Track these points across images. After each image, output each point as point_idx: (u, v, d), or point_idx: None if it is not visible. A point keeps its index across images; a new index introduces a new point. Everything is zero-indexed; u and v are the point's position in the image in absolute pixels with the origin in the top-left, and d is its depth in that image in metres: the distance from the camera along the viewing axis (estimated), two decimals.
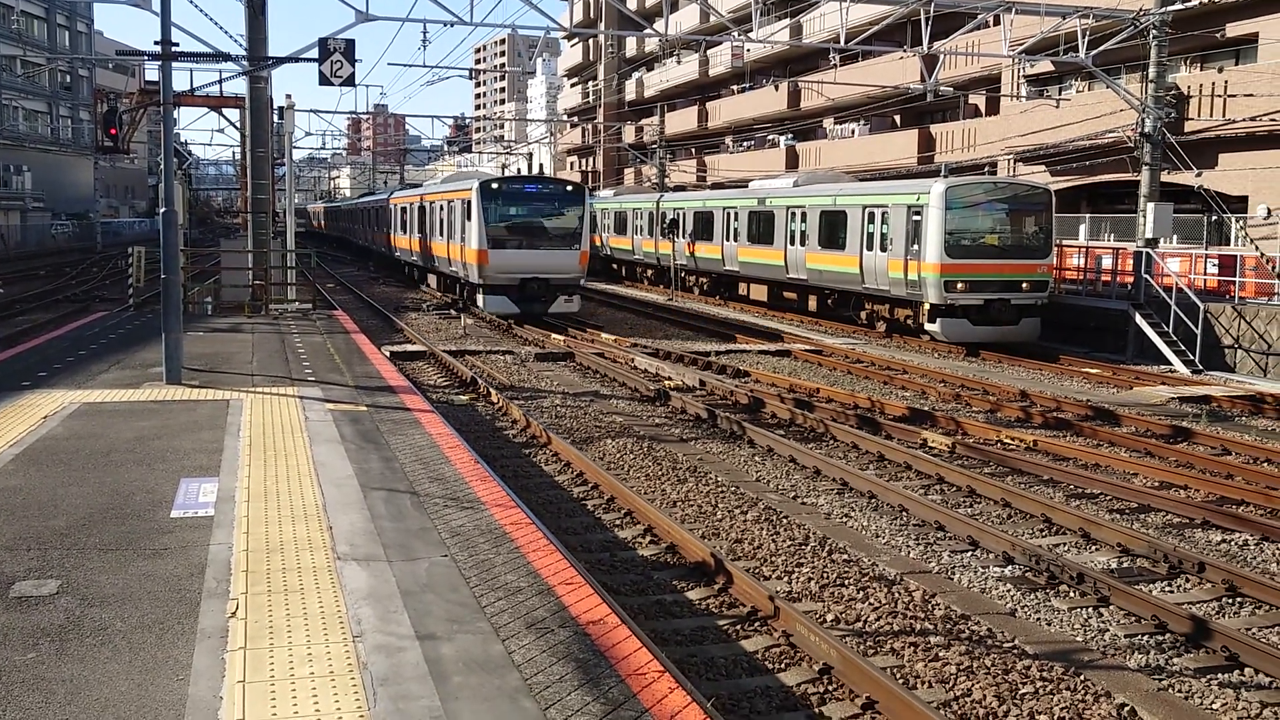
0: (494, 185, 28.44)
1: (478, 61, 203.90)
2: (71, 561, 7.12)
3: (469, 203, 28.31)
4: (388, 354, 20.34)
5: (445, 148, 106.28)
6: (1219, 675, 7.60)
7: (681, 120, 59.55)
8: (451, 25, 22.32)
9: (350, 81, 20.03)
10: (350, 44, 19.92)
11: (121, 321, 22.47)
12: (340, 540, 7.69)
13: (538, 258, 28.01)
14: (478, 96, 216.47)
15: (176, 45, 15.23)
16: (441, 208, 32.42)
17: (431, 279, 37.00)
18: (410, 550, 7.51)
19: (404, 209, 40.54)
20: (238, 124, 37.79)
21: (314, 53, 19.90)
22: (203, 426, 11.59)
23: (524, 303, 28.01)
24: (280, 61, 22.79)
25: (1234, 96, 28.77)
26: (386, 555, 7.38)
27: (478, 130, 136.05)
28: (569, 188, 29.49)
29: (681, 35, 41.57)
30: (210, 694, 5.25)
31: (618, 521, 10.88)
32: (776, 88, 50.36)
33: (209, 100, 36.31)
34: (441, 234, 32.44)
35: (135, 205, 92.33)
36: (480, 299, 28.58)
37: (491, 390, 17.60)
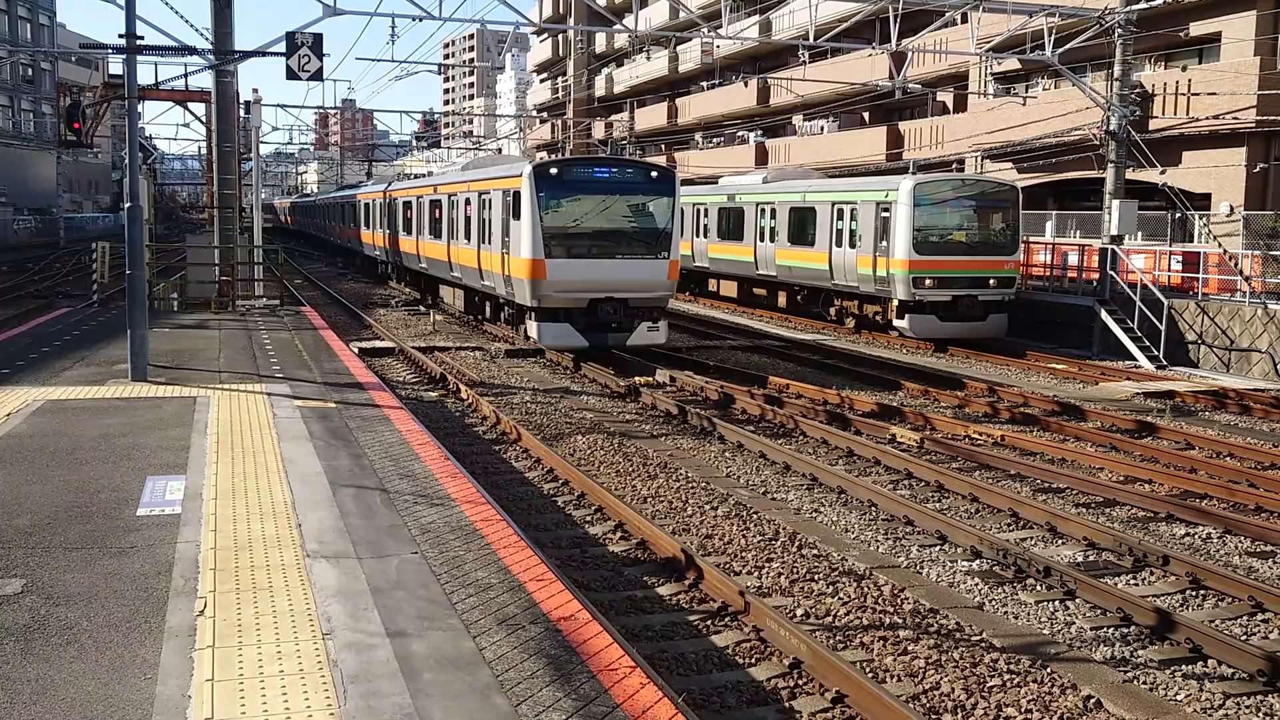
0: (553, 170, 20.90)
1: (446, 57, 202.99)
2: (36, 560, 7.04)
3: (516, 194, 20.90)
4: (356, 350, 20.23)
5: (414, 143, 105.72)
6: (1183, 667, 7.70)
7: (651, 116, 59.56)
8: (420, 20, 22.23)
9: (318, 76, 19.93)
10: (318, 38, 19.82)
11: (85, 318, 22.23)
12: (309, 538, 7.65)
13: (613, 270, 20.76)
14: (446, 92, 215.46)
15: (141, 39, 15.09)
16: (468, 202, 24.99)
17: (449, 293, 29.30)
18: (380, 547, 7.48)
19: (406, 204, 33.23)
20: (203, 118, 37.51)
21: (281, 47, 19.78)
22: (169, 424, 11.50)
23: (593, 332, 20.77)
24: (247, 55, 22.61)
25: (1197, 95, 29.08)
26: (356, 552, 7.35)
27: (447, 126, 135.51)
28: (654, 173, 21.65)
29: (651, 31, 41.57)
30: (179, 693, 5.22)
31: (588, 518, 10.88)
32: (746, 84, 50.45)
33: (174, 94, 36.03)
34: (468, 237, 24.99)
35: (99, 200, 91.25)
36: (532, 327, 21.11)
37: (461, 386, 17.54)
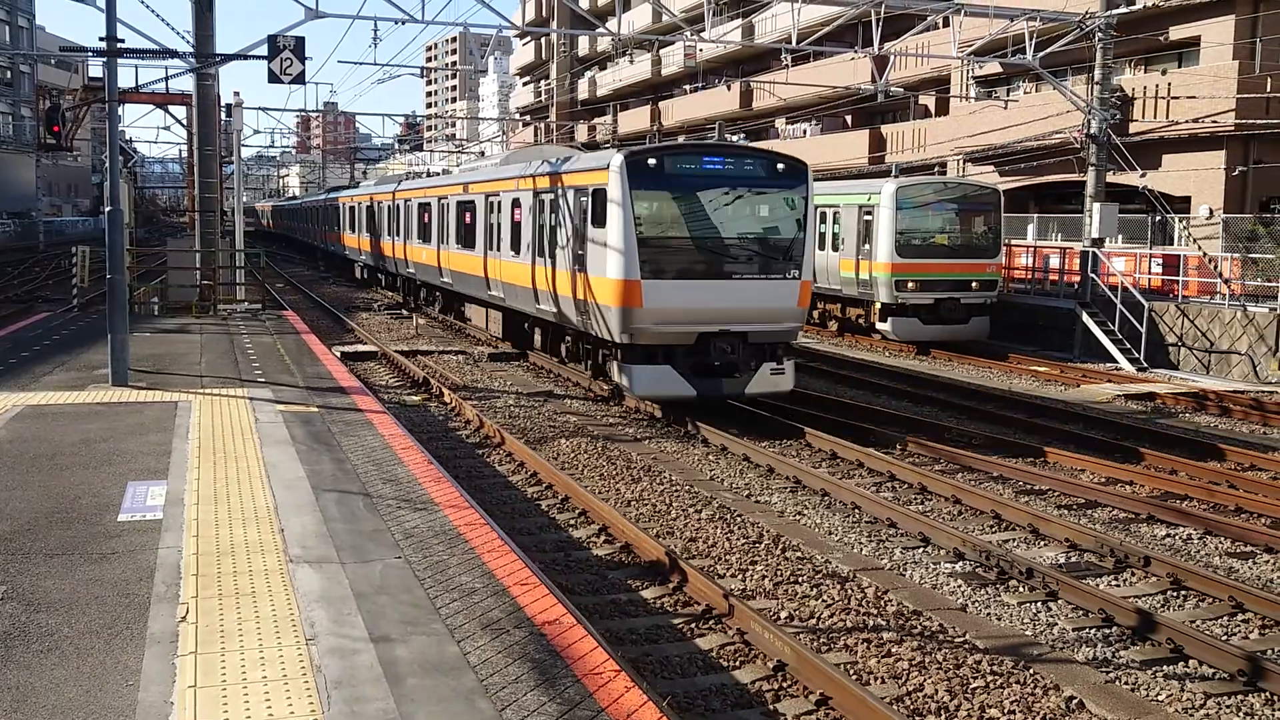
0: (651, 161, 15.74)
1: (429, 60, 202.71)
2: (16, 567, 6.99)
3: (599, 193, 15.98)
4: (339, 354, 20.17)
5: (396, 146, 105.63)
6: (1164, 667, 7.74)
7: (634, 119, 59.57)
8: (402, 23, 22.16)
9: (300, 79, 19.81)
10: (300, 41, 19.70)
11: (65, 322, 22.09)
12: (292, 543, 7.62)
13: (729, 294, 15.80)
14: (429, 95, 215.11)
15: (122, 41, 15.00)
16: (516, 204, 20.15)
17: (479, 314, 24.53)
18: (363, 552, 7.46)
19: (423, 207, 28.39)
20: (185, 121, 37.35)
21: (263, 50, 19.67)
22: (150, 429, 11.43)
23: (702, 377, 15.75)
24: (229, 59, 22.53)
25: (1177, 99, 29.28)
26: (339, 557, 7.33)
27: (429, 129, 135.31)
28: (780, 164, 16.33)
29: (634, 34, 41.61)
30: (161, 699, 5.19)
31: (572, 521, 10.87)
32: (729, 88, 50.51)
33: (155, 97, 35.87)
34: (515, 248, 20.14)
35: (79, 204, 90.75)
36: (623, 372, 15.99)
37: (444, 390, 17.51)
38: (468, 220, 23.73)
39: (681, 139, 58.16)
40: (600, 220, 15.91)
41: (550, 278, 18.11)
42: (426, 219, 27.95)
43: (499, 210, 21.38)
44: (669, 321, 15.52)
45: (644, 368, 15.64)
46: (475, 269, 23.21)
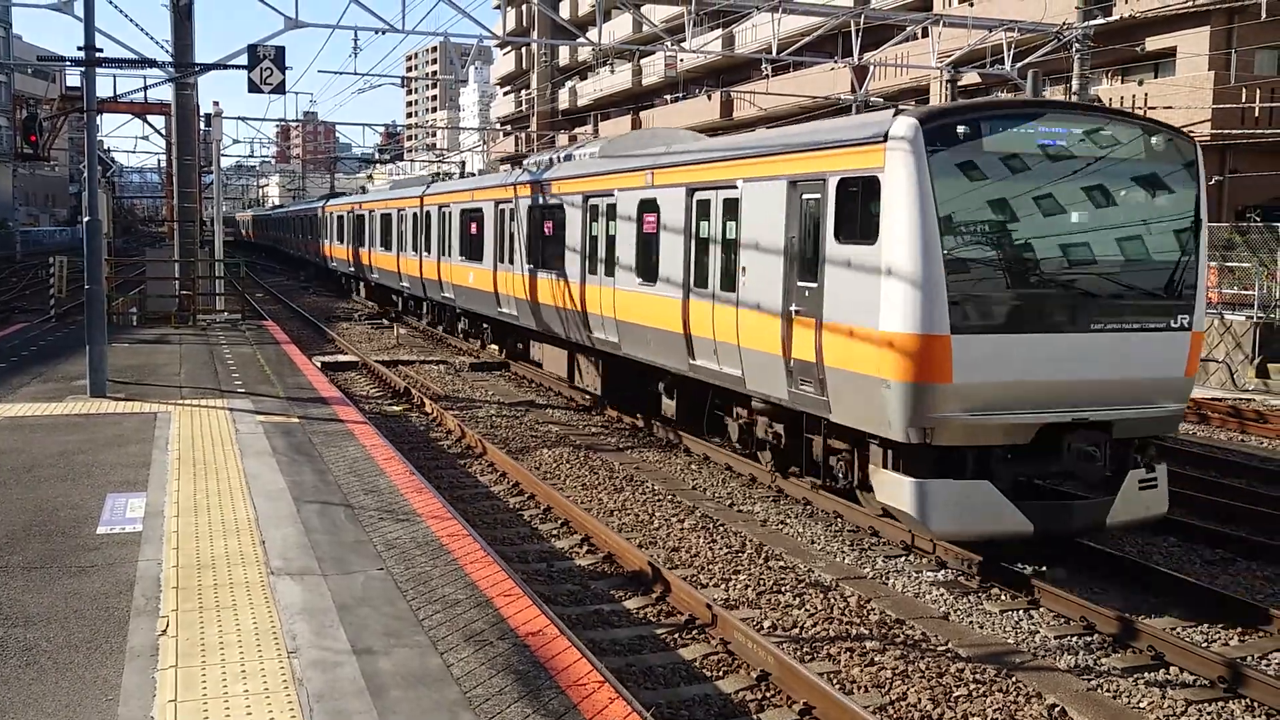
0: (962, 129, 9.33)
1: (409, 69, 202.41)
2: None
3: (863, 185, 9.85)
4: (319, 365, 20.08)
5: (377, 155, 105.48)
6: (1145, 674, 7.77)
7: (615, 129, 59.65)
8: (382, 33, 22.11)
9: (280, 89, 19.75)
10: (280, 51, 19.64)
11: (43, 333, 21.94)
12: (273, 554, 7.58)
13: (1091, 356, 9.55)
14: (409, 104, 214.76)
15: (100, 51, 14.94)
16: (646, 209, 14.36)
17: (557, 358, 18.70)
18: (345, 564, 7.42)
19: (469, 215, 22.79)
20: (163, 131, 37.20)
21: (243, 59, 19.61)
22: (129, 440, 11.36)
23: (1036, 498, 10.32)
24: (208, 68, 22.41)
25: (1154, 109, 29.52)
26: (321, 569, 7.29)
27: (410, 139, 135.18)
28: (1155, 138, 10.04)
29: (615, 45, 41.66)
30: (141, 714, 5.15)
31: (555, 531, 10.85)
32: (709, 98, 50.69)
33: (134, 107, 35.73)
34: (644, 273, 14.40)
35: (56, 214, 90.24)
36: (901, 487, 9.54)
37: (426, 400, 17.46)
38: (548, 231, 18.03)
39: None
40: (862, 231, 9.87)
41: (727, 321, 12.23)
42: (475, 230, 22.20)
43: (613, 218, 15.50)
44: (999, 407, 9.37)
45: (946, 485, 9.38)
46: (561, 300, 17.32)
